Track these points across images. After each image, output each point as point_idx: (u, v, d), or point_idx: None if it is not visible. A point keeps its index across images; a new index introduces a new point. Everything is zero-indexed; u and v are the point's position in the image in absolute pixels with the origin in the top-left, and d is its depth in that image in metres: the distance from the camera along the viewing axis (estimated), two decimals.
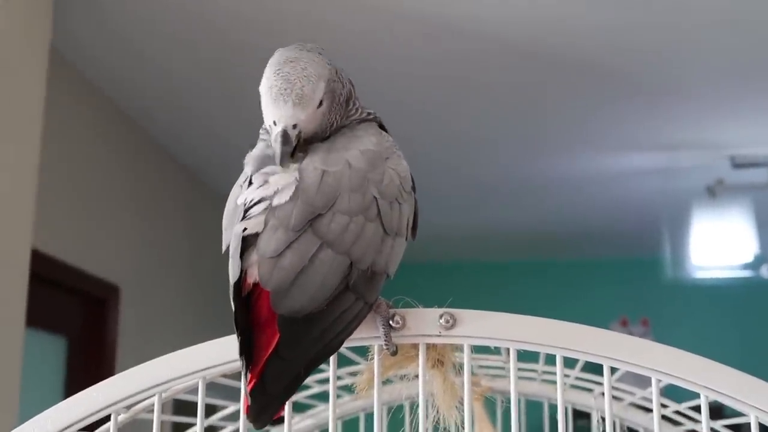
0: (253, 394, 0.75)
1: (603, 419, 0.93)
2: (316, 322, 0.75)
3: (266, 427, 0.78)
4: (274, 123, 0.82)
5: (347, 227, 0.77)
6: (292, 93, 0.81)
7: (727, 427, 1.19)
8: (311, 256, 0.76)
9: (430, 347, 0.84)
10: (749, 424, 0.79)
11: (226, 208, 0.84)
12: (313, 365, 0.77)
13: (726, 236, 4.46)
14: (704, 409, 0.80)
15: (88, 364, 3.31)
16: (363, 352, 0.88)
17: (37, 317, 2.69)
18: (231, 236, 0.80)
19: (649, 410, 0.83)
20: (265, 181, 0.81)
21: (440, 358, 0.86)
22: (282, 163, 0.81)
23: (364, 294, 0.78)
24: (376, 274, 0.79)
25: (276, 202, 0.78)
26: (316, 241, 0.76)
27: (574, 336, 0.79)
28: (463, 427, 0.82)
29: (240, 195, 0.82)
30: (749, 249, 4.53)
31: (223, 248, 0.82)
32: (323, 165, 0.80)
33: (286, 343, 0.74)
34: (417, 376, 0.84)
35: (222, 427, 1.21)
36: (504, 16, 2.86)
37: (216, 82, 3.44)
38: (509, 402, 0.82)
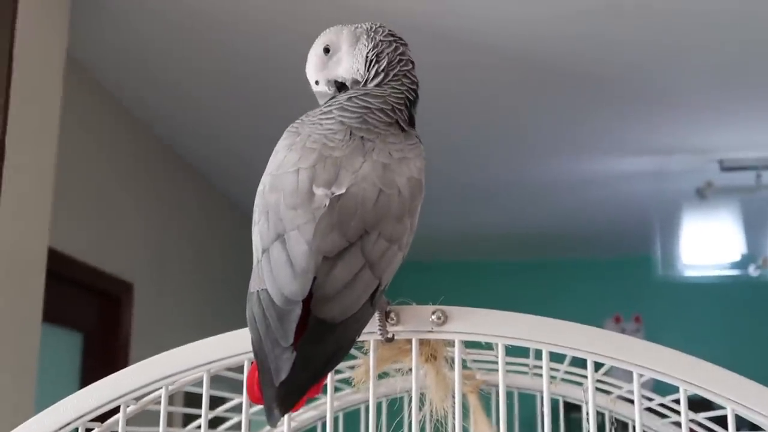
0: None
1: (597, 413, 0.97)
2: (342, 326, 0.78)
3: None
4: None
5: (385, 253, 0.82)
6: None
7: (713, 420, 1.23)
8: (356, 273, 0.80)
9: (423, 342, 0.88)
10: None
11: (279, 179, 0.85)
12: (333, 363, 0.79)
13: (715, 236, 4.51)
14: (683, 401, 0.82)
15: (102, 359, 3.35)
16: (359, 346, 0.91)
17: (54, 314, 2.75)
18: (295, 218, 0.81)
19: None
20: (334, 172, 0.84)
21: (433, 353, 0.90)
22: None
23: (376, 306, 0.83)
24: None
25: (339, 196, 0.82)
26: (362, 259, 0.80)
27: (558, 332, 0.82)
28: (455, 418, 0.86)
29: (311, 177, 0.84)
30: (737, 248, 4.58)
31: (259, 219, 0.85)
32: (381, 183, 0.84)
33: (310, 339, 0.77)
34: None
35: (228, 419, 1.25)
36: (496, 24, 2.89)
37: (232, 90, 3.47)
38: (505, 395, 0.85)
